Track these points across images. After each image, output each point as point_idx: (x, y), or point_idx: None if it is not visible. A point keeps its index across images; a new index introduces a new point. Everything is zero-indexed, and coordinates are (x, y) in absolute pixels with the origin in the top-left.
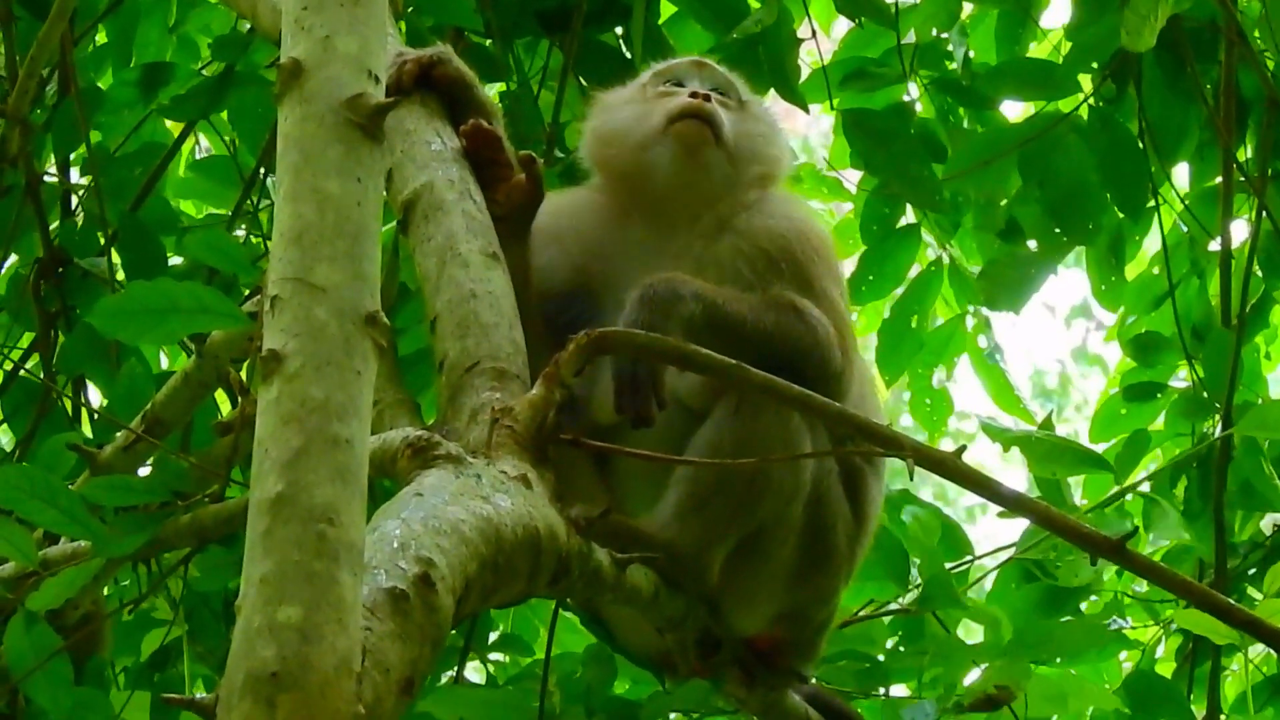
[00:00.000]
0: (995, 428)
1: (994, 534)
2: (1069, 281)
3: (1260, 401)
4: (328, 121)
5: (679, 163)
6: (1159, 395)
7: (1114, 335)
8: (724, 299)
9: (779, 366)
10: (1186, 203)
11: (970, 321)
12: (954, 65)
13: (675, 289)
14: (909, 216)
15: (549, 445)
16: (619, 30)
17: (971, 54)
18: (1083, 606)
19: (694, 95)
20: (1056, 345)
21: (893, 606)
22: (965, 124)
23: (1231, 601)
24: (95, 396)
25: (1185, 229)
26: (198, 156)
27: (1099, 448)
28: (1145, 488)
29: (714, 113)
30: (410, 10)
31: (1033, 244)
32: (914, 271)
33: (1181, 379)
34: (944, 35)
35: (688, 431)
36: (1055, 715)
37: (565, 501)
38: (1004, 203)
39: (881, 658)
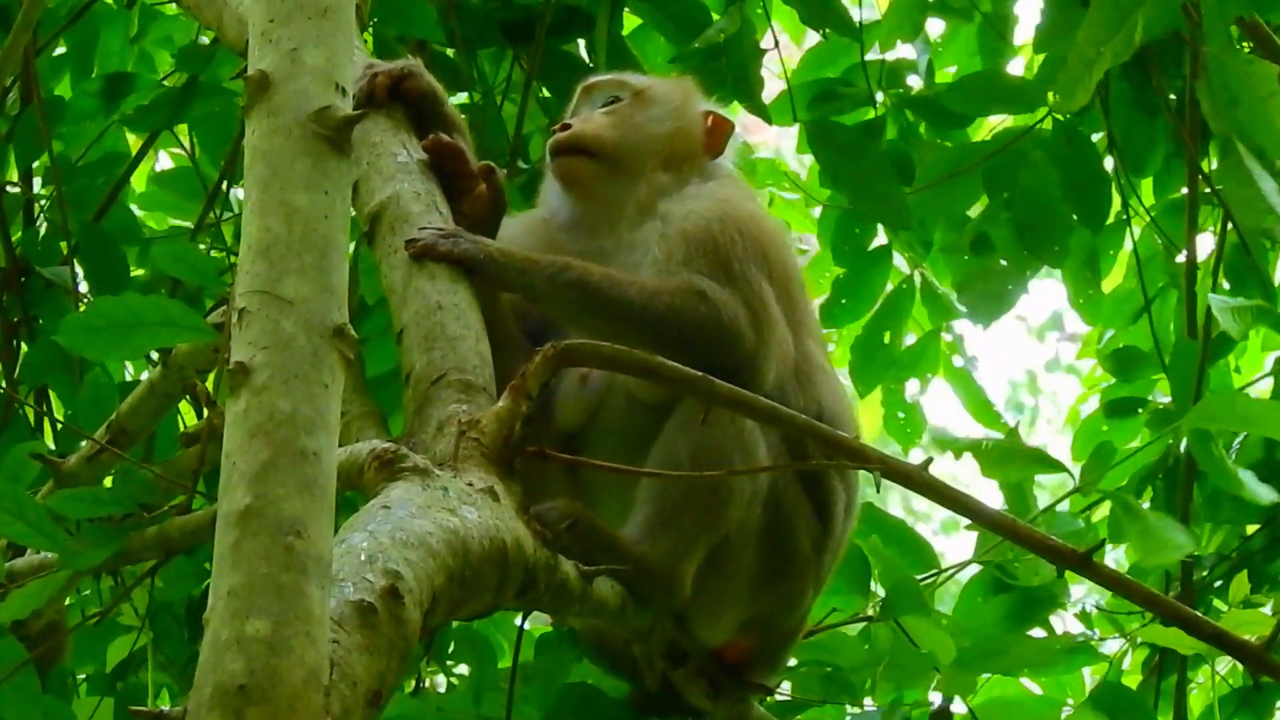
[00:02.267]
0: (945, 437)
1: (969, 546)
2: (1041, 293)
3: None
4: (295, 134)
5: (570, 194)
6: (1139, 410)
7: (1090, 351)
8: (609, 283)
9: (678, 350)
10: (1153, 215)
11: (944, 338)
12: (917, 79)
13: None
14: (881, 238)
15: (516, 457)
16: (582, 41)
17: (931, 62)
18: (1053, 620)
19: (556, 129)
20: (1029, 357)
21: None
22: (929, 141)
23: (1198, 614)
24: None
25: (1160, 242)
26: (165, 170)
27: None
28: (1108, 503)
29: (574, 137)
30: (375, 21)
31: (1003, 261)
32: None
33: (1161, 393)
34: (909, 52)
35: (648, 431)
36: None
37: (536, 501)
38: (972, 216)
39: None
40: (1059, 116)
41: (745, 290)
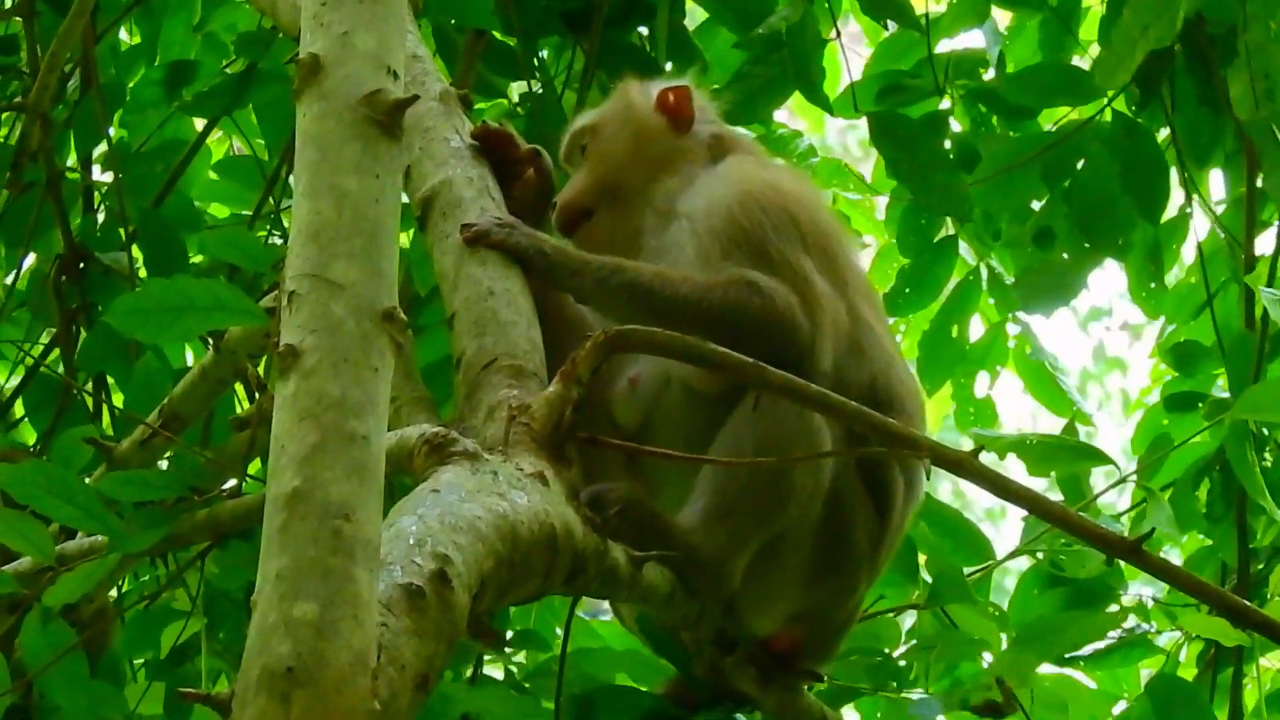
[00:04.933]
0: (988, 436)
1: (1015, 536)
2: (1090, 281)
3: None
4: (346, 118)
5: (597, 248)
6: (1200, 405)
7: (1160, 351)
8: (661, 283)
9: (737, 345)
10: (1221, 209)
11: (1011, 329)
12: (987, 72)
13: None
14: (948, 228)
15: (566, 443)
16: (644, 30)
17: (1003, 54)
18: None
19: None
20: (1076, 346)
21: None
22: (999, 133)
23: (1245, 602)
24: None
25: (1224, 236)
26: (224, 158)
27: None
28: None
29: (566, 209)
30: (436, 9)
31: (1064, 255)
32: (953, 283)
33: (1222, 389)
34: (978, 44)
35: (710, 423)
36: None
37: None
38: (1036, 208)
39: (894, 654)
40: (1119, 108)
41: (789, 274)
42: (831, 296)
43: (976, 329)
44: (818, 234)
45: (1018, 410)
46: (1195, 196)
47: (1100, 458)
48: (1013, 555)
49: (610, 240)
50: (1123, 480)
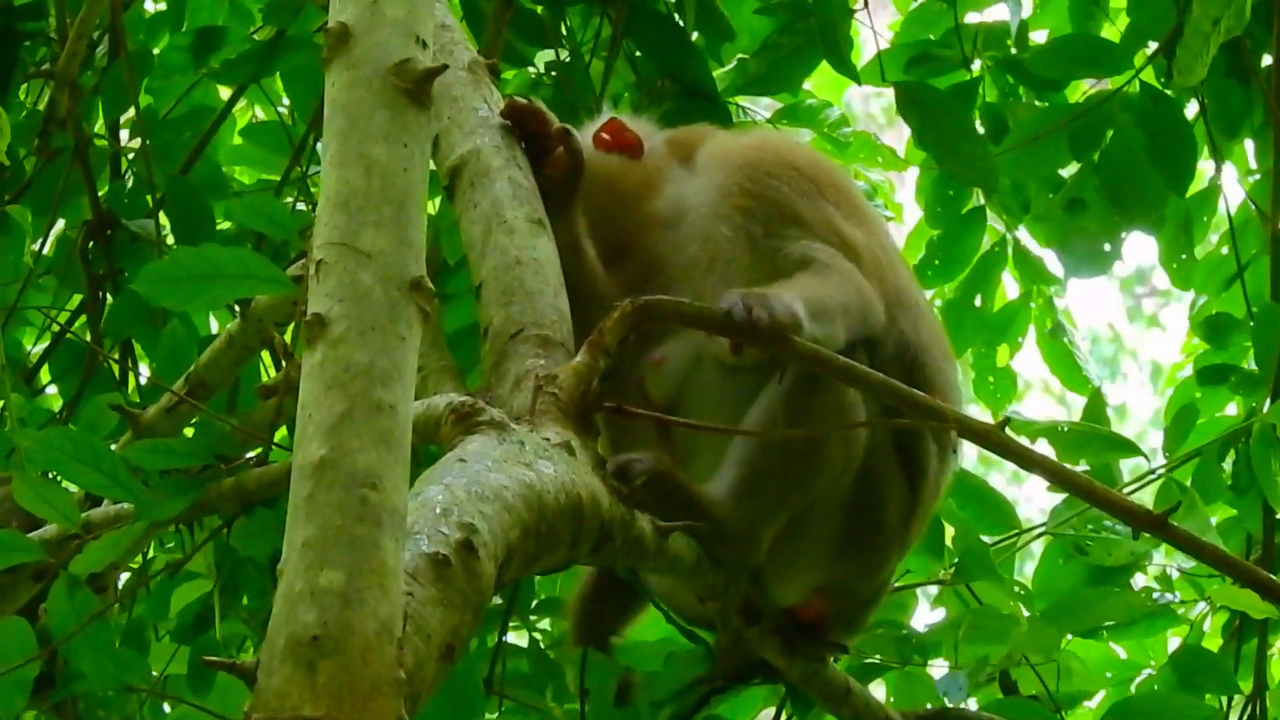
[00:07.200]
0: (1020, 420)
1: (1036, 498)
2: (1127, 247)
3: None
4: (375, 87)
5: None
6: (1233, 377)
7: (1191, 322)
8: (812, 294)
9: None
10: (1253, 179)
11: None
12: (1011, 42)
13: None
14: (977, 199)
15: (593, 412)
16: None
17: (1025, 19)
18: (1133, 582)
19: None
20: (1111, 309)
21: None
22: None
23: (1272, 576)
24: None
25: (1255, 208)
26: (251, 123)
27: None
28: (1190, 466)
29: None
30: None
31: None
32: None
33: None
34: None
35: (740, 395)
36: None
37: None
38: (1067, 178)
39: (920, 629)
40: (1157, 82)
41: (831, 236)
42: (870, 247)
43: (1007, 295)
44: (825, 175)
45: (1041, 378)
46: (1226, 167)
47: (1131, 449)
48: (1038, 535)
49: (639, 275)
50: (1151, 473)
